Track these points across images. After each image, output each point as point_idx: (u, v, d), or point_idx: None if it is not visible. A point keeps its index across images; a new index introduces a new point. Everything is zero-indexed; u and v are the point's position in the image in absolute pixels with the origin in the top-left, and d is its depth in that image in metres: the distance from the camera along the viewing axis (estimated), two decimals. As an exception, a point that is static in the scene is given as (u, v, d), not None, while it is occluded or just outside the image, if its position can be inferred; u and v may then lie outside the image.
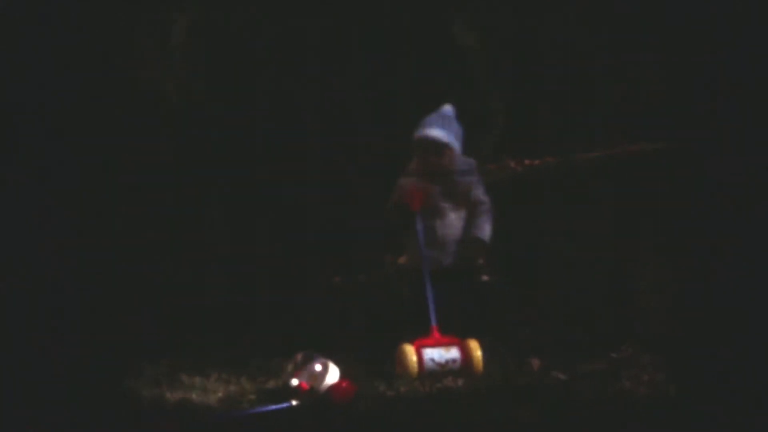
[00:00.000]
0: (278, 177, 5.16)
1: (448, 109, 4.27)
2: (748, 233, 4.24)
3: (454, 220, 4.18)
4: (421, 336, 3.91)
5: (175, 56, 5.19)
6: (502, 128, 5.43)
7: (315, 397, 3.61)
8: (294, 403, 3.56)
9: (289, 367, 3.76)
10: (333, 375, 3.68)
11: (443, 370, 3.83)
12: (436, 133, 4.15)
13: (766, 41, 4.56)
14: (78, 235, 4.76)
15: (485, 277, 4.41)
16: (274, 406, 3.53)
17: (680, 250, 4.49)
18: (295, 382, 3.65)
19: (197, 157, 5.17)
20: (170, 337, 4.40)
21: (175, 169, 5.12)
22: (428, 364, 3.83)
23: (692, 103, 4.86)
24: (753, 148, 4.48)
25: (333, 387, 3.63)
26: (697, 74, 4.87)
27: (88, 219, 4.82)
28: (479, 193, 4.22)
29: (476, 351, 3.85)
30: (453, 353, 3.86)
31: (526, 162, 5.46)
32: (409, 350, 3.84)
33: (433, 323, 3.93)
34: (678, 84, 5.01)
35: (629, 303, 4.39)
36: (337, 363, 3.74)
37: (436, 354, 3.85)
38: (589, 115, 5.38)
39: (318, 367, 3.67)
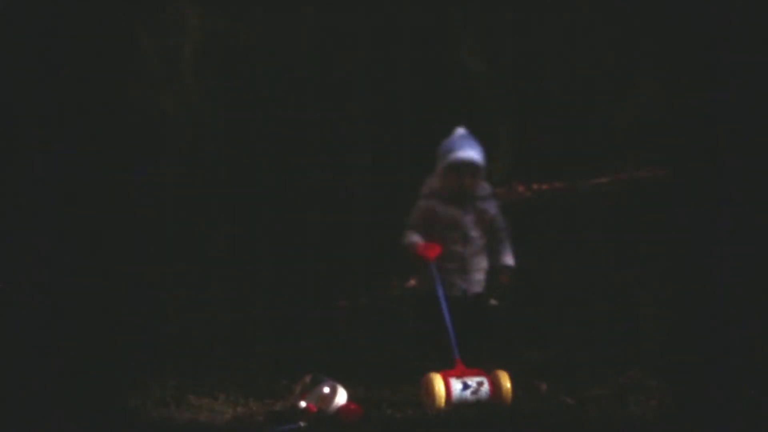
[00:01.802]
0: (284, 198, 5.18)
1: (464, 131, 4.23)
2: (754, 256, 4.24)
3: (480, 249, 4.15)
4: (443, 366, 3.81)
5: (180, 70, 5.22)
6: (511, 153, 5.45)
7: (322, 419, 3.61)
8: (302, 424, 3.56)
9: (297, 389, 3.76)
10: (341, 397, 3.68)
11: (472, 400, 3.75)
12: (472, 155, 4.11)
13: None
14: (85, 255, 4.77)
15: (493, 302, 4.41)
16: (281, 428, 3.53)
17: (685, 274, 4.49)
18: (303, 404, 3.65)
19: (202, 177, 5.18)
20: (179, 357, 4.41)
21: (180, 190, 5.14)
22: (456, 395, 3.74)
23: (697, 129, 4.87)
24: (758, 171, 4.49)
25: (341, 409, 3.63)
26: (703, 100, 4.88)
27: (94, 238, 4.83)
28: (501, 219, 4.20)
29: (506, 382, 3.77)
30: (484, 386, 3.77)
31: (534, 186, 5.48)
32: (438, 380, 3.73)
33: (456, 356, 3.84)
34: (683, 110, 5.02)
35: (636, 328, 4.39)
36: (344, 386, 3.74)
37: (462, 386, 3.76)
38: (597, 140, 5.40)
39: (326, 390, 3.67)
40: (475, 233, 4.14)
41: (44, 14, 4.76)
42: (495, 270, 4.18)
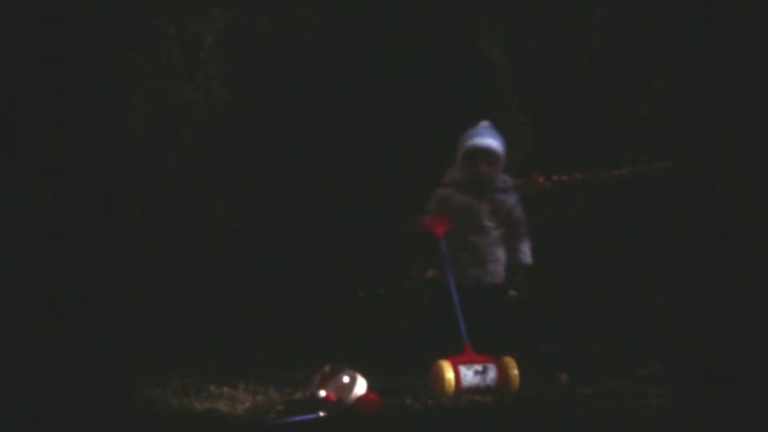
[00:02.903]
0: (304, 187, 5.18)
1: (487, 123, 4.24)
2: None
3: (496, 239, 4.14)
4: (454, 353, 3.85)
5: (201, 64, 5.22)
6: (531, 144, 5.44)
7: (342, 409, 3.61)
8: (321, 414, 3.57)
9: (317, 379, 3.76)
10: (360, 387, 3.68)
11: (480, 387, 3.78)
12: (490, 142, 4.12)
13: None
14: (102, 248, 4.78)
15: (513, 292, 4.41)
16: (301, 417, 3.54)
17: (708, 267, 4.47)
18: (322, 393, 3.65)
19: (218, 164, 5.19)
20: (199, 346, 4.42)
21: (194, 177, 5.15)
22: (465, 380, 3.78)
23: (719, 121, 4.84)
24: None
25: (360, 399, 3.63)
26: (725, 91, 4.85)
27: (110, 230, 4.84)
28: (520, 213, 4.19)
29: (513, 369, 3.81)
30: (490, 371, 3.82)
31: (554, 178, 5.46)
32: (447, 367, 3.77)
33: (466, 341, 3.88)
34: (705, 101, 4.99)
35: (655, 319, 4.38)
36: (364, 375, 3.74)
37: (472, 371, 3.80)
38: (617, 131, 5.38)
39: (346, 379, 3.67)
40: (490, 223, 4.14)
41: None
42: (512, 267, 4.18)
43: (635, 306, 4.53)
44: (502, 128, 4.35)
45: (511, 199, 4.20)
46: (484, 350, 3.87)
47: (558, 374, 3.96)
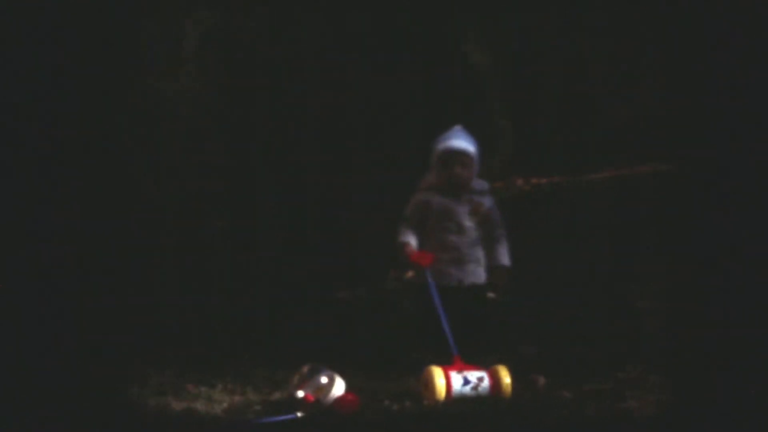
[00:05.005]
0: (282, 186, 5.17)
1: (459, 127, 4.26)
2: (754, 252, 4.24)
3: (475, 240, 4.16)
4: (439, 357, 3.81)
5: (186, 65, 5.21)
6: (510, 146, 5.45)
7: (320, 409, 3.61)
8: (299, 414, 3.56)
9: (295, 379, 3.76)
10: (339, 388, 3.68)
11: (472, 395, 3.74)
12: (464, 144, 4.15)
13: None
14: (83, 243, 4.76)
15: (491, 295, 4.41)
16: (279, 418, 3.53)
17: (686, 271, 4.49)
18: (300, 393, 3.65)
19: (202, 166, 5.18)
20: (176, 346, 4.41)
21: (180, 181, 5.14)
22: (457, 388, 3.73)
23: (700, 124, 4.86)
24: (760, 168, 4.48)
25: (338, 400, 3.63)
26: (706, 94, 4.88)
27: (94, 226, 4.82)
28: (497, 215, 4.21)
29: (505, 377, 3.77)
30: (483, 382, 3.78)
31: (534, 181, 5.47)
32: (438, 373, 3.73)
33: (455, 353, 3.84)
34: (687, 104, 5.02)
35: (635, 323, 4.40)
36: (342, 376, 3.74)
37: (465, 379, 3.76)
38: (598, 135, 5.39)
39: (324, 380, 3.67)
40: (469, 223, 4.16)
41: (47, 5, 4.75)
42: (491, 269, 4.19)
43: (615, 309, 4.54)
44: (481, 131, 4.36)
45: (488, 202, 4.22)
46: (467, 353, 3.85)
47: (534, 377, 3.96)
